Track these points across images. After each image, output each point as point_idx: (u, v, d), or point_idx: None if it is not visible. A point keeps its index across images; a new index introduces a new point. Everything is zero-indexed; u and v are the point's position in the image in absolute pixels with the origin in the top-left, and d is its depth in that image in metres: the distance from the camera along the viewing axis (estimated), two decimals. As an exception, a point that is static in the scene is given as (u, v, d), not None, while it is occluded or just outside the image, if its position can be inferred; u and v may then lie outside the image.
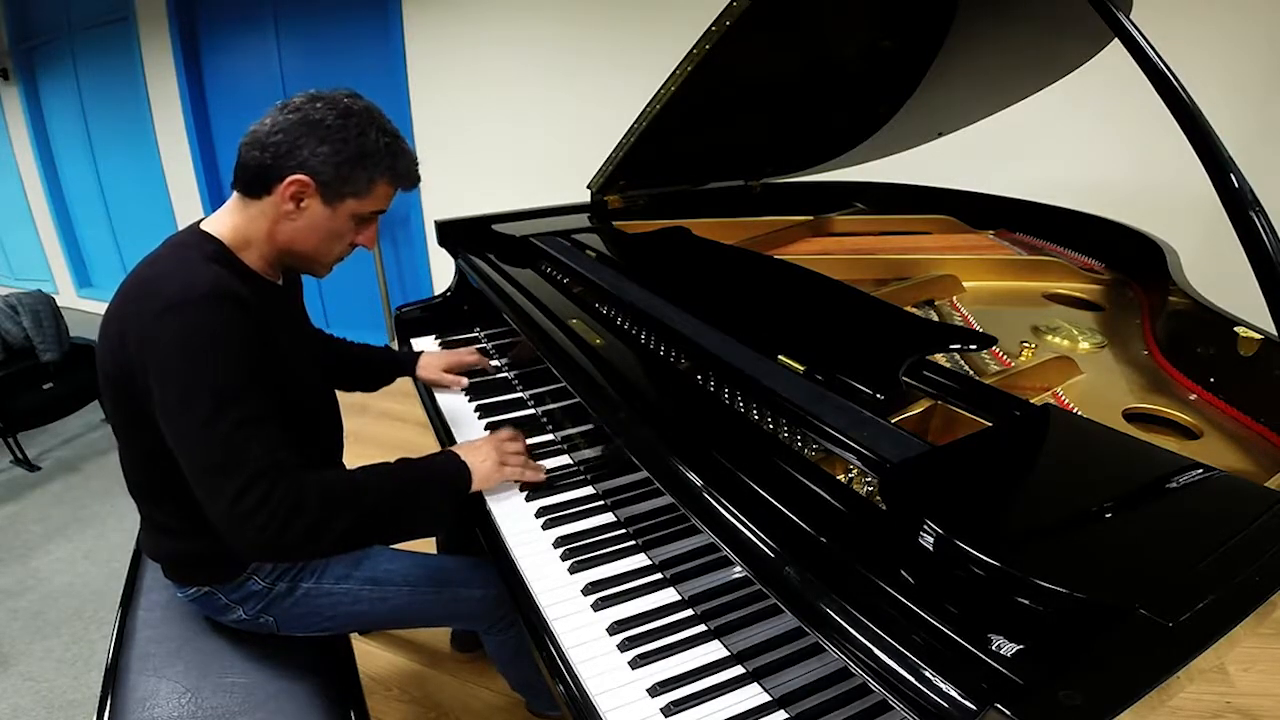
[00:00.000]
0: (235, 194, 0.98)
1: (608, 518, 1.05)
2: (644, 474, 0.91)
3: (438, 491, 1.02)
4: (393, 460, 1.00)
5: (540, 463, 1.14)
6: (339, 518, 0.89)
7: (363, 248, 1.07)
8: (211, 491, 0.86)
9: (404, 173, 1.01)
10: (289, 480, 0.86)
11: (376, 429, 2.90)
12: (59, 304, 3.08)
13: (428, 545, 1.61)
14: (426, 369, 1.45)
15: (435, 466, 1.04)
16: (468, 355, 1.48)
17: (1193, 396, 1.00)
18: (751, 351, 1.01)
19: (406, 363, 1.46)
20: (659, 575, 0.94)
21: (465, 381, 1.46)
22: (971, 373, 1.01)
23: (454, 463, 1.04)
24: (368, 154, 0.95)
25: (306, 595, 1.06)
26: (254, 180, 0.95)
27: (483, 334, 1.70)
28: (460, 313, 1.74)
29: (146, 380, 0.87)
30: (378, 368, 1.44)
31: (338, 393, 1.28)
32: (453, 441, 1.30)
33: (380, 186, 0.99)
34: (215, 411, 0.85)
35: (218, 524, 0.87)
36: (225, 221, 0.99)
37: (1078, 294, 1.40)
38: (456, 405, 1.42)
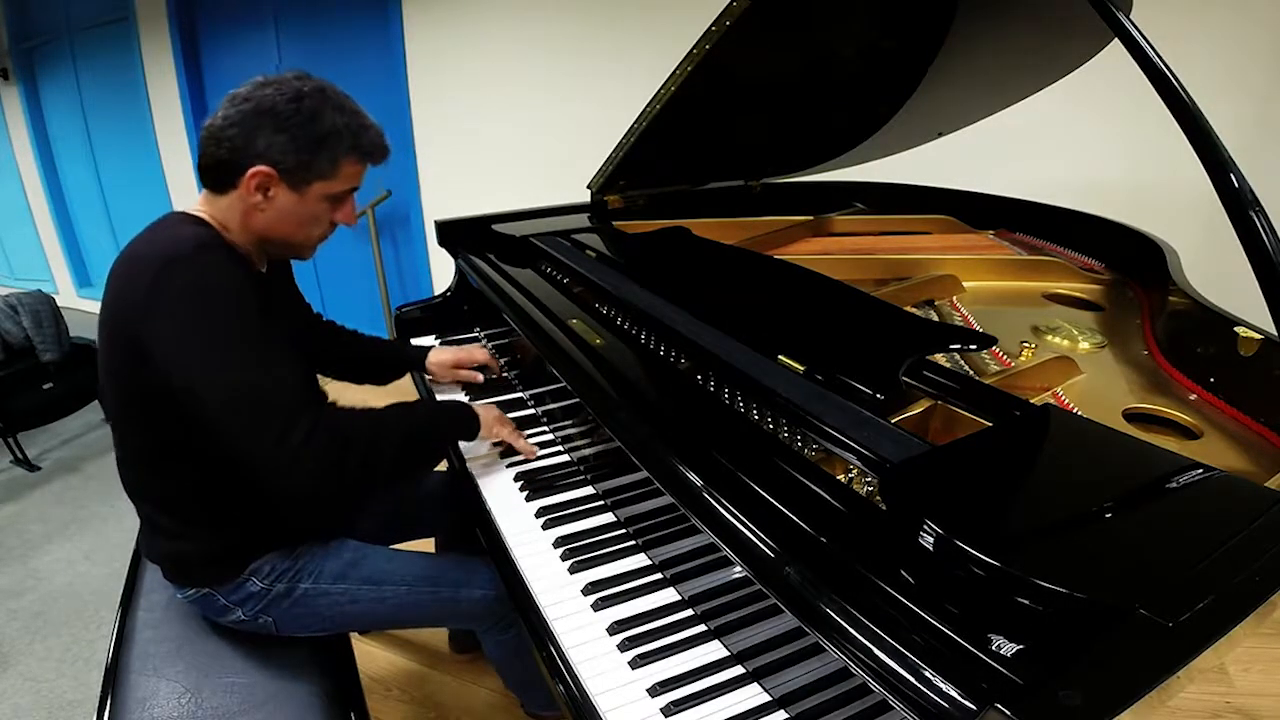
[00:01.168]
0: (204, 190, 0.97)
1: (608, 518, 1.05)
2: (644, 474, 0.91)
3: (452, 424, 1.12)
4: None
5: (534, 448, 1.21)
6: (385, 442, 0.95)
7: (346, 225, 1.05)
8: (253, 438, 0.85)
9: (370, 148, 0.99)
10: (330, 415, 0.88)
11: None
12: (59, 304, 3.08)
13: (427, 545, 1.61)
14: (437, 365, 1.45)
15: (447, 404, 1.15)
16: (478, 351, 1.47)
17: (1193, 396, 1.00)
18: (751, 351, 1.01)
19: (417, 358, 1.45)
20: (659, 575, 0.94)
21: (480, 378, 1.45)
22: (971, 373, 1.01)
23: (462, 404, 1.15)
24: (327, 135, 0.93)
25: (305, 596, 1.06)
26: (217, 176, 0.94)
27: (483, 334, 1.70)
28: (460, 313, 1.74)
29: (153, 353, 0.85)
30: (389, 361, 1.44)
31: (335, 388, 1.28)
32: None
33: (347, 165, 0.97)
34: (240, 354, 0.84)
35: (267, 474, 0.86)
36: (201, 211, 0.98)
37: (1078, 294, 1.40)
38: (456, 405, 1.42)
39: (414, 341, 1.70)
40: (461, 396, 1.44)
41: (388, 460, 0.95)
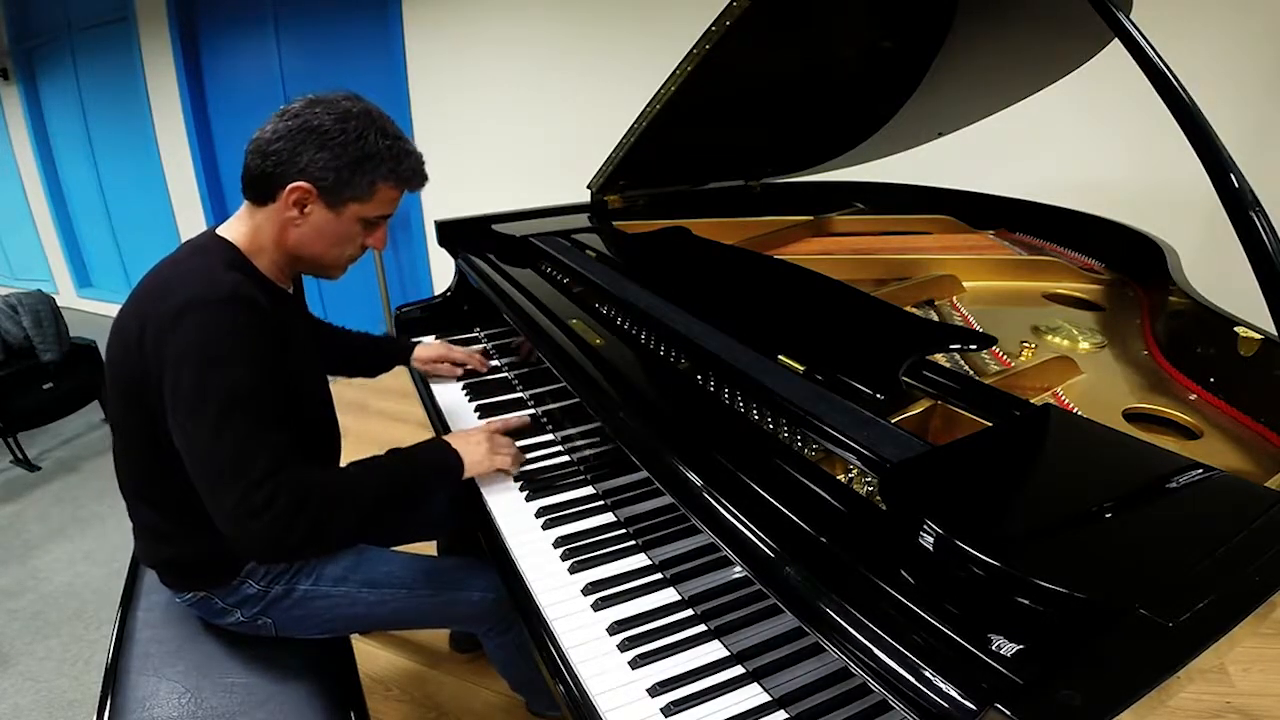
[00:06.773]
0: (245, 201, 1.00)
1: (608, 518, 1.05)
2: (644, 474, 0.91)
3: (432, 478, 1.05)
4: (384, 453, 1.03)
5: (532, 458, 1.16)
6: (341, 514, 0.93)
7: (376, 250, 1.08)
8: (217, 493, 0.87)
9: (408, 174, 1.01)
10: (293, 483, 0.88)
11: (376, 428, 2.90)
12: (59, 304, 3.07)
13: (428, 548, 1.61)
14: (419, 359, 1.49)
15: (428, 454, 1.06)
16: (457, 352, 1.51)
17: (1193, 396, 1.00)
18: (751, 351, 1.01)
19: (406, 351, 1.50)
20: (659, 575, 0.94)
21: (458, 371, 1.49)
22: (971, 373, 1.01)
23: (446, 450, 1.07)
24: (368, 158, 0.95)
25: (304, 597, 1.06)
26: (259, 188, 0.96)
27: (483, 334, 1.70)
28: (460, 313, 1.74)
29: (160, 381, 0.87)
30: (380, 354, 1.47)
31: (334, 388, 1.28)
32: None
33: (383, 189, 0.99)
34: (228, 415, 0.86)
35: (222, 525, 0.88)
36: (238, 228, 1.00)
37: (1078, 294, 1.40)
38: (456, 404, 1.42)
39: (414, 341, 1.71)
40: (462, 396, 1.44)
41: (347, 525, 0.94)
